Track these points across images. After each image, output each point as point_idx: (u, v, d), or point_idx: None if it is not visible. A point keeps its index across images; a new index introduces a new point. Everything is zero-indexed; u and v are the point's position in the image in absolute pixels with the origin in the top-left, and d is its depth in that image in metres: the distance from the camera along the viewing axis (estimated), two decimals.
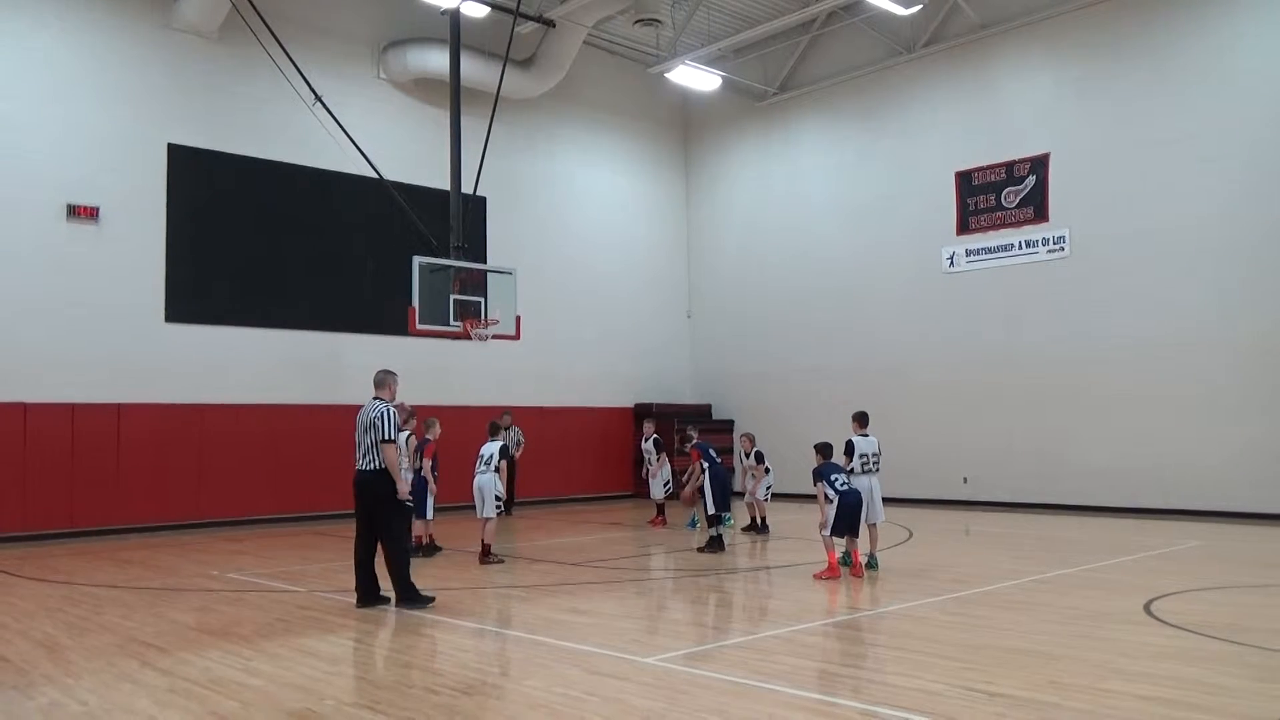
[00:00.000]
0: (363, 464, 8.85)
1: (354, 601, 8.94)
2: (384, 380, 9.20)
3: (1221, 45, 16.61)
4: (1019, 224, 18.80)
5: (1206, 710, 5.35)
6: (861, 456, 10.67)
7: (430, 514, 12.44)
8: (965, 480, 19.09)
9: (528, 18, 18.99)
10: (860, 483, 10.50)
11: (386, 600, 8.87)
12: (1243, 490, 15.76)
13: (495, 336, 15.19)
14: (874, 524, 10.70)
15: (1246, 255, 16.07)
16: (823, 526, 10.27)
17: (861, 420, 11.01)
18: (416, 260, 14.31)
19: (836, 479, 10.28)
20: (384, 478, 8.79)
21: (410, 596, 8.78)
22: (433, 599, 8.85)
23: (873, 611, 8.65)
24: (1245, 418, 15.91)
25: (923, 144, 20.38)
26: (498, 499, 11.65)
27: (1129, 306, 17.30)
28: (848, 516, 10.17)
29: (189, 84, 16.97)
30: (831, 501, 10.17)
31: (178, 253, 16.60)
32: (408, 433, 12.01)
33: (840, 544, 10.42)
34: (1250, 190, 16.09)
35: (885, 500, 11.07)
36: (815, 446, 10.69)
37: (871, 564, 10.58)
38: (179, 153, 16.72)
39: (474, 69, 18.44)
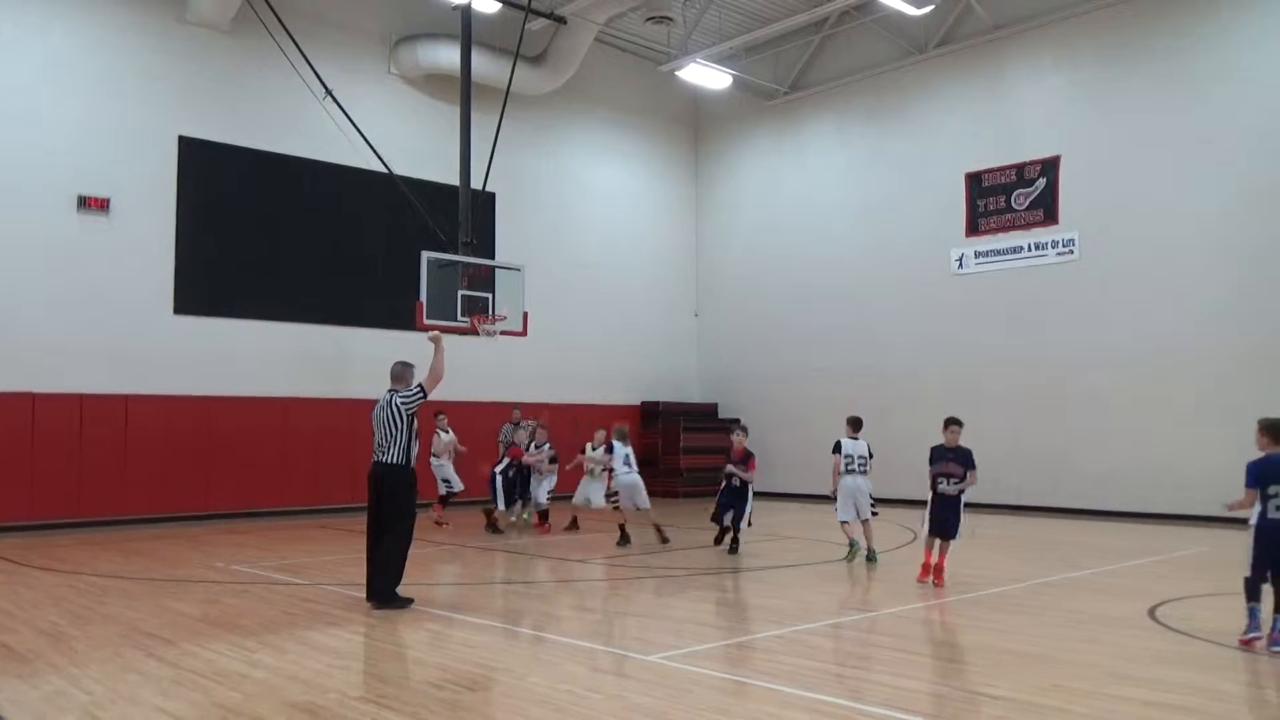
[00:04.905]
0: (378, 455, 8.71)
1: (363, 597, 8.71)
2: (401, 373, 9.04)
3: (1233, 49, 16.52)
4: (1028, 226, 18.74)
5: (1208, 716, 5.34)
6: (848, 458, 11.33)
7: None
8: None
9: (539, 14, 18.99)
10: (846, 482, 11.24)
11: (408, 602, 8.55)
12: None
13: (502, 333, 15.22)
14: (866, 520, 11.32)
15: (1256, 259, 15.97)
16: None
17: (855, 425, 11.65)
18: (425, 255, 14.33)
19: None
20: (400, 471, 8.65)
21: (390, 598, 8.50)
22: (411, 600, 8.57)
23: (875, 613, 8.64)
24: (1253, 422, 15.78)
25: (933, 145, 20.32)
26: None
27: (1137, 310, 17.24)
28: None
29: (200, 77, 17.01)
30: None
31: (187, 245, 16.64)
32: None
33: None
34: (1261, 194, 15.99)
35: (890, 500, 11.74)
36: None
37: (870, 557, 11.19)
38: (190, 145, 16.76)
39: (484, 65, 18.46)
